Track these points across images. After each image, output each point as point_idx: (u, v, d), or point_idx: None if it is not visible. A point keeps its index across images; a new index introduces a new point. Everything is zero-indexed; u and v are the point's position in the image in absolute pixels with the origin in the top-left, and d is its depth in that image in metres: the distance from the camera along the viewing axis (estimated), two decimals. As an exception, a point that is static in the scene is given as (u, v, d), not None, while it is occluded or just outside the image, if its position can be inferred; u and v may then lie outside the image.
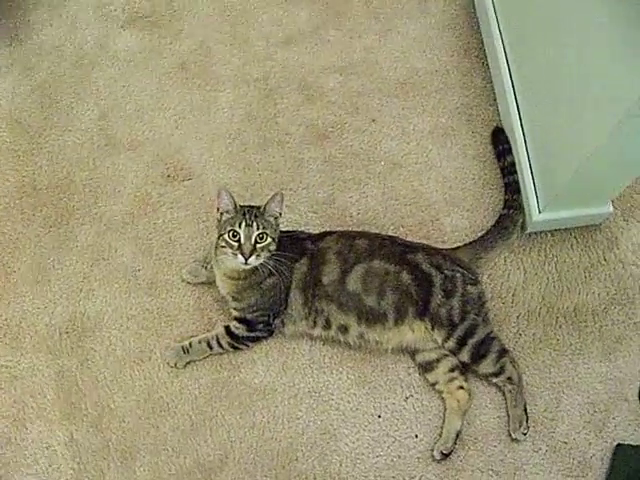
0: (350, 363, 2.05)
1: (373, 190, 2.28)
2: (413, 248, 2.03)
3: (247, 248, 1.85)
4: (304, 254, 1.98)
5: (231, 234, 1.87)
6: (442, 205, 2.26)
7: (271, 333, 2.03)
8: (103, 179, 2.30)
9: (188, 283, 2.14)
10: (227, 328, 2.01)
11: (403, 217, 2.23)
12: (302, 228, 2.16)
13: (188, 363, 2.04)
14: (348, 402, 2.02)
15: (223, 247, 1.88)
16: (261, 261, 1.86)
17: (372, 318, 1.95)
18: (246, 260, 1.84)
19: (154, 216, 2.23)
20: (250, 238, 1.86)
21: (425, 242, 2.13)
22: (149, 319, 2.10)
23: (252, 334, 2.01)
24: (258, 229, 1.87)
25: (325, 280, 1.96)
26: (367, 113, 2.40)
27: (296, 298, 1.98)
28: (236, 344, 2.02)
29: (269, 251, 1.88)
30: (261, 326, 2.00)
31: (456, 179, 2.30)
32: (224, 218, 1.92)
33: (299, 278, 1.97)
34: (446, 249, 2.11)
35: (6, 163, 2.33)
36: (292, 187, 2.28)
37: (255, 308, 1.97)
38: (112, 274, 2.16)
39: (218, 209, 1.93)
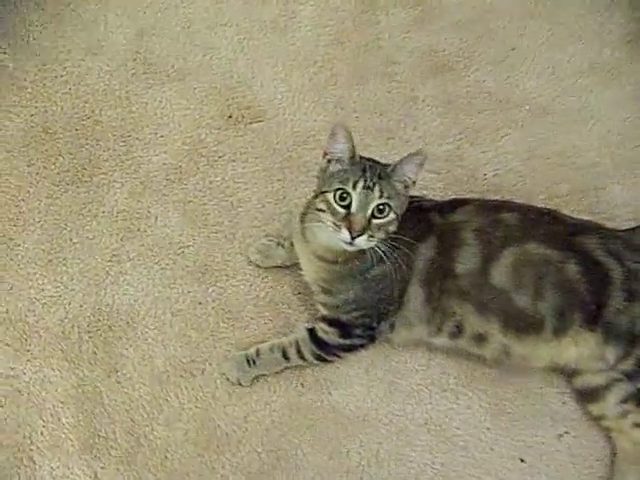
0: (483, 385, 1.75)
1: (514, 144, 1.97)
2: (583, 228, 1.69)
3: (359, 221, 1.50)
4: (430, 232, 1.64)
5: (339, 195, 1.51)
6: (608, 168, 1.94)
7: (373, 340, 1.71)
8: (140, 120, 2.02)
9: (257, 266, 1.85)
10: (312, 332, 1.71)
11: (555, 182, 1.92)
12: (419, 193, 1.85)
13: (256, 379, 1.74)
14: (479, 440, 1.72)
15: (321, 211, 1.55)
16: (373, 244, 1.53)
17: (523, 326, 1.63)
18: (353, 238, 1.49)
19: (210, 172, 1.96)
20: (366, 208, 1.51)
21: (587, 219, 1.77)
22: (201, 316, 1.82)
23: (347, 342, 1.69)
24: (381, 197, 1.51)
25: (460, 269, 1.62)
26: (504, 39, 2.09)
27: (416, 295, 1.64)
28: (324, 354, 1.71)
29: (387, 233, 1.54)
30: (360, 331, 1.67)
31: (626, 133, 1.97)
32: (332, 169, 1.56)
33: (422, 267, 1.63)
34: (621, 231, 1.77)
35: (9, 97, 2.04)
36: (402, 136, 1.97)
37: (354, 306, 1.65)
38: (151, 251, 1.88)
39: (326, 154, 1.57)
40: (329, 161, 1.57)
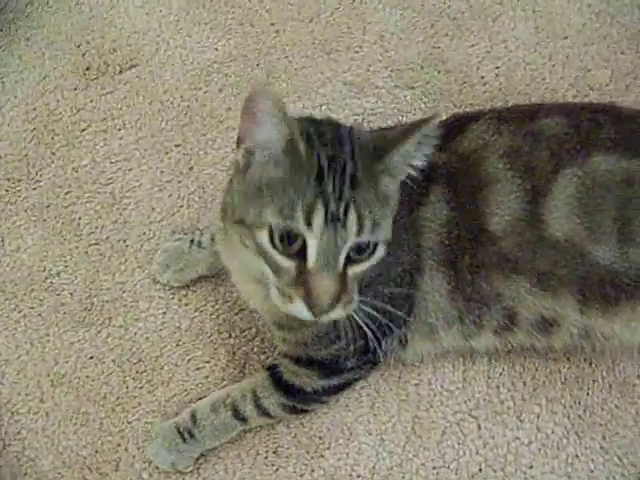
0: (553, 391, 1.29)
1: (513, 26, 1.55)
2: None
3: (326, 287, 0.90)
4: (432, 179, 1.12)
5: (279, 237, 0.90)
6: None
7: (374, 366, 1.21)
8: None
9: (169, 287, 1.34)
10: (272, 371, 1.19)
11: (587, 70, 1.47)
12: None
13: (202, 457, 1.22)
14: (567, 476, 1.26)
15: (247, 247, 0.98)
16: (352, 309, 0.96)
17: (610, 292, 1.16)
18: (317, 315, 0.91)
19: (71, 156, 1.46)
20: (336, 258, 0.89)
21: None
22: (97, 377, 1.33)
23: (332, 382, 1.17)
24: (360, 231, 0.89)
25: (495, 225, 1.12)
26: None
27: (435, 283, 1.15)
28: (299, 405, 1.19)
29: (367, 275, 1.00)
30: (352, 362, 1.16)
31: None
32: (256, 173, 0.94)
33: (435, 238, 1.14)
34: None
35: None
36: (349, 45, 1.50)
37: (333, 337, 1.13)
38: (2, 293, 1.40)
39: (240, 141, 0.94)
40: (249, 153, 0.93)
